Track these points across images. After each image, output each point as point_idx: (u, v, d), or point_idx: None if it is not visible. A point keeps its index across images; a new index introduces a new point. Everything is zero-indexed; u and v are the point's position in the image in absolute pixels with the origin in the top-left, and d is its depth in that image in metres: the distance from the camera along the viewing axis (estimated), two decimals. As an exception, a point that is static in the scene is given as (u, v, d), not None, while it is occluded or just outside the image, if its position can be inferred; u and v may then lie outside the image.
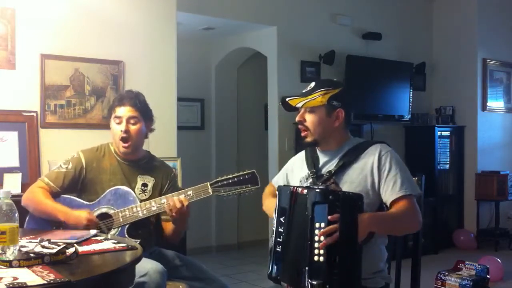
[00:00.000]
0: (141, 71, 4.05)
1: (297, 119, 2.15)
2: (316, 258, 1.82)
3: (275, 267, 2.00)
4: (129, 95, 2.58)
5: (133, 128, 2.54)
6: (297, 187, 2.00)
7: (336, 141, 2.15)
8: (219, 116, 6.29)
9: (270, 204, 2.23)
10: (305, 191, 1.92)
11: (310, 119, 2.11)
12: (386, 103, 6.20)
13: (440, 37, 6.81)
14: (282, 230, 1.97)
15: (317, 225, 1.83)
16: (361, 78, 5.89)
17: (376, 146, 2.11)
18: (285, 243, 1.96)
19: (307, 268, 1.84)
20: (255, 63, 6.30)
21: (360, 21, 6.10)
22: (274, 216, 2.03)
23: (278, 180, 2.35)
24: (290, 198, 1.97)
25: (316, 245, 1.82)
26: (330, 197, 1.84)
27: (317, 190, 1.90)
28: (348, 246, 1.82)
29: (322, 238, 1.81)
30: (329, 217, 1.81)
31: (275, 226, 2.01)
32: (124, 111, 2.53)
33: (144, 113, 2.58)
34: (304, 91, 2.15)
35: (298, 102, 2.11)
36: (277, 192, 2.06)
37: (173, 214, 2.41)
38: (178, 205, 2.39)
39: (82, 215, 2.40)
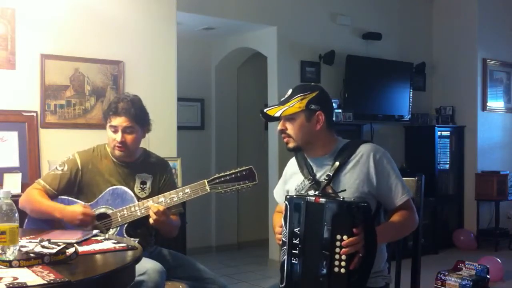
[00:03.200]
0: (141, 71, 4.05)
1: (278, 128, 2.15)
2: (336, 269, 1.82)
3: (291, 279, 1.94)
4: (124, 104, 2.53)
5: (129, 137, 2.54)
6: (309, 196, 1.95)
7: (322, 146, 2.14)
8: (219, 116, 6.29)
9: (277, 219, 2.20)
10: (321, 200, 1.88)
11: (291, 126, 2.11)
12: (386, 103, 6.20)
13: (440, 37, 6.81)
14: (297, 242, 1.92)
15: (338, 237, 1.82)
16: (361, 78, 5.89)
17: (367, 148, 2.10)
18: (301, 254, 1.91)
19: (325, 278, 1.83)
20: (255, 63, 6.30)
21: (360, 21, 6.10)
22: (285, 227, 1.97)
23: (279, 192, 2.33)
24: (305, 208, 1.92)
25: (337, 256, 1.82)
26: (352, 209, 1.82)
27: (336, 201, 1.86)
28: (368, 257, 1.84)
29: (344, 249, 1.81)
30: (354, 230, 1.81)
31: (287, 237, 1.95)
32: (120, 122, 2.51)
33: (140, 121, 2.56)
34: (282, 99, 2.15)
35: (277, 111, 2.10)
36: (286, 203, 1.98)
37: (155, 218, 2.41)
38: (154, 209, 2.40)
39: (76, 209, 2.40)
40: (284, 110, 2.09)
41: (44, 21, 3.67)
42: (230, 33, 5.83)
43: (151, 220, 2.42)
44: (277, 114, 2.10)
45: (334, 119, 2.22)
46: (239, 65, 6.46)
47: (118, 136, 2.52)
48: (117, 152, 2.56)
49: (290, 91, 2.15)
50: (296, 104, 2.08)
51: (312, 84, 2.24)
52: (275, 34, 5.46)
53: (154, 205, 2.42)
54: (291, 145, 2.13)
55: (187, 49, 5.67)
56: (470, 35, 6.51)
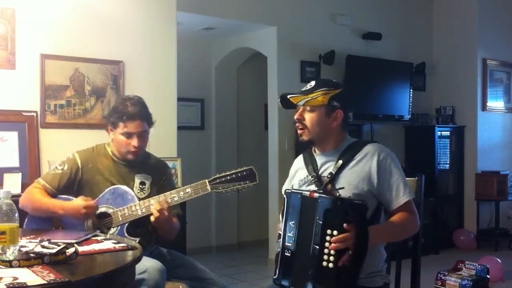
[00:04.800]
0: (141, 71, 4.05)
1: (296, 116, 2.15)
2: (324, 264, 1.84)
3: (283, 272, 1.96)
4: (136, 108, 2.52)
5: (143, 141, 2.57)
6: (306, 190, 1.98)
7: (333, 142, 2.15)
8: (219, 116, 6.29)
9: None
10: (315, 195, 1.91)
11: (309, 117, 2.11)
12: (386, 103, 6.20)
13: (440, 37, 6.81)
14: (291, 235, 1.95)
15: (328, 231, 1.84)
16: (361, 78, 5.89)
17: (372, 147, 2.11)
18: (294, 248, 1.94)
19: (314, 272, 1.85)
20: (255, 63, 6.30)
21: (360, 21, 6.10)
22: (282, 220, 2.00)
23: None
24: (300, 202, 1.95)
25: (325, 251, 1.84)
26: (345, 206, 1.84)
27: (330, 197, 1.88)
28: (358, 255, 1.84)
29: (333, 244, 1.83)
30: (344, 225, 1.82)
31: (282, 230, 1.99)
32: (136, 127, 2.52)
33: (149, 122, 2.60)
34: (303, 89, 2.15)
35: (300, 100, 2.11)
36: (284, 196, 2.03)
37: (157, 215, 2.41)
38: (158, 207, 2.39)
39: (78, 203, 2.40)
40: (308, 100, 2.09)
41: (44, 21, 3.67)
42: (230, 33, 5.83)
43: (152, 218, 2.42)
44: (301, 103, 2.11)
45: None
46: (239, 65, 6.46)
47: (135, 141, 2.52)
48: (130, 157, 2.56)
49: (313, 83, 2.15)
50: (319, 97, 2.09)
51: (335, 80, 2.23)
52: (275, 34, 5.47)
53: (157, 203, 2.42)
54: (305, 137, 2.14)
55: (187, 49, 5.67)
56: (470, 35, 6.50)
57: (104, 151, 2.64)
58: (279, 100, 2.19)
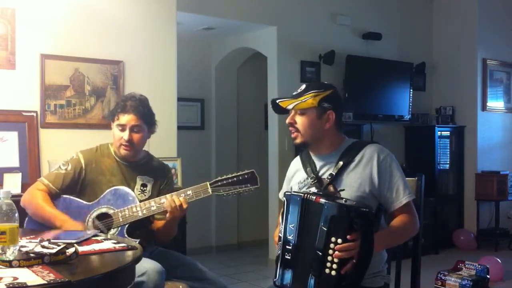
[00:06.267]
0: (141, 71, 4.05)
1: (287, 121, 2.15)
2: (327, 270, 1.82)
3: (283, 275, 1.96)
4: (133, 102, 2.53)
5: (136, 136, 2.54)
6: (309, 194, 1.95)
7: (329, 144, 2.14)
8: (219, 116, 6.29)
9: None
10: (322, 200, 1.88)
11: (300, 121, 2.11)
12: (386, 103, 6.20)
13: (440, 37, 6.81)
14: (291, 238, 1.94)
15: (333, 239, 1.82)
16: (361, 78, 5.90)
17: (372, 148, 2.11)
18: (295, 251, 1.93)
19: (315, 278, 1.84)
20: (255, 63, 6.30)
21: (360, 21, 6.10)
22: (282, 223, 1.99)
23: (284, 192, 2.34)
24: (301, 205, 1.93)
25: (329, 258, 1.82)
26: (351, 214, 1.82)
27: (336, 203, 1.86)
28: (362, 264, 1.83)
29: (337, 252, 1.82)
30: (348, 236, 1.80)
31: (282, 232, 1.97)
32: (128, 120, 2.51)
33: (147, 120, 2.56)
34: (294, 93, 2.15)
35: (289, 104, 2.11)
36: (284, 199, 2.01)
37: (170, 213, 2.41)
38: (178, 202, 2.40)
39: (77, 229, 2.37)
40: (297, 104, 2.09)
41: (44, 21, 3.67)
42: (230, 33, 5.83)
43: (168, 215, 2.42)
44: (289, 107, 2.11)
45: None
46: (239, 65, 6.46)
47: (126, 135, 2.51)
48: (122, 151, 2.55)
49: (303, 86, 2.15)
50: (309, 100, 2.08)
51: (327, 82, 2.23)
52: (275, 34, 5.47)
53: (177, 198, 2.42)
54: (298, 140, 2.14)
55: (187, 49, 5.67)
56: (470, 35, 6.50)
57: (107, 151, 2.64)
58: (271, 105, 2.18)
